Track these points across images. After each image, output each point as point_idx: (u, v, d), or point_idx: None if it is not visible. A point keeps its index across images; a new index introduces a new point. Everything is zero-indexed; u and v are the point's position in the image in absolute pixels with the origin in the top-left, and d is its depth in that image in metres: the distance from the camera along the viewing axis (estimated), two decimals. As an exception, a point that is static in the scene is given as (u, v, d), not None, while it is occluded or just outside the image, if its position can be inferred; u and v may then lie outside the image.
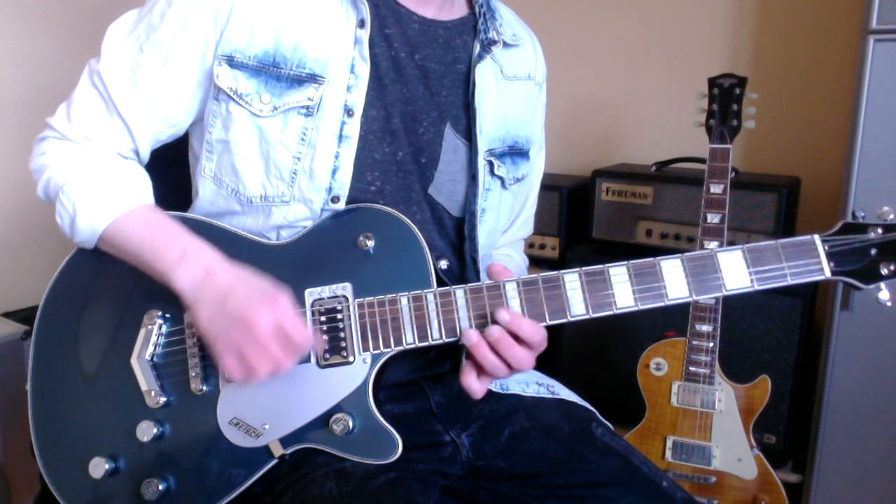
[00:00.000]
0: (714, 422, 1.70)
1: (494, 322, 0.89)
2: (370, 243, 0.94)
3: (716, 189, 1.63)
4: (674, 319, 1.81)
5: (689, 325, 1.67)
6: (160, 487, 0.92)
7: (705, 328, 1.66)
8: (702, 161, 1.69)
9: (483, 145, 1.05)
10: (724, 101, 1.65)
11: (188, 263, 0.91)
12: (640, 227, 2.04)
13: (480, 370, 0.91)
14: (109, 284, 1.00)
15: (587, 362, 2.08)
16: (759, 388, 1.68)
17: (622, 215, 2.06)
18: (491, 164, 1.07)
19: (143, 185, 1.00)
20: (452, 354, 1.09)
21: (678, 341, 1.72)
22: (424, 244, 0.94)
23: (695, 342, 1.67)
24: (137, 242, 0.94)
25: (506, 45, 1.08)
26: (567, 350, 2.10)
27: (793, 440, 1.87)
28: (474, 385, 0.91)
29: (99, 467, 0.93)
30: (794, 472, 1.86)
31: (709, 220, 1.63)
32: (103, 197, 0.96)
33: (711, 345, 1.66)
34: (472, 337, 0.89)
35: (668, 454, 1.73)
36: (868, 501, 1.76)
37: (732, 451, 1.69)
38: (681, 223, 1.98)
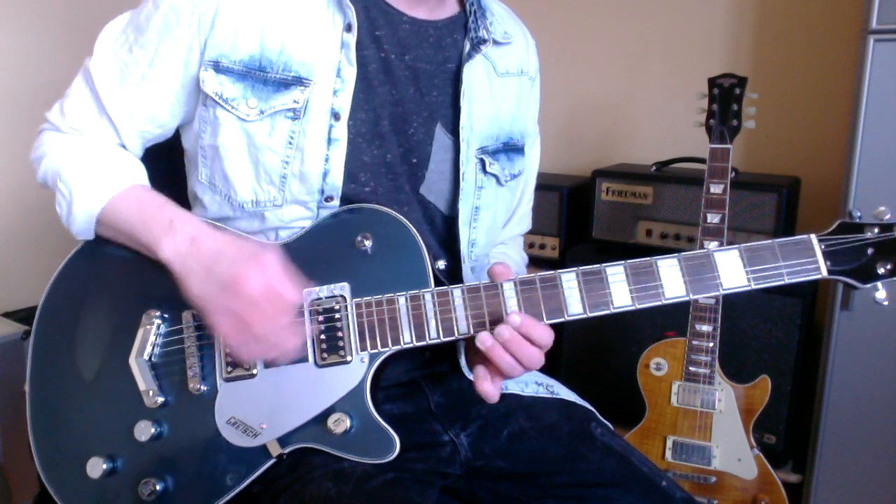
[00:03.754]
0: (714, 422, 1.70)
1: (502, 323, 0.89)
2: (368, 243, 0.94)
3: (716, 189, 1.63)
4: (674, 319, 1.81)
5: (689, 325, 1.67)
6: (157, 487, 0.92)
7: (705, 328, 1.66)
8: (702, 161, 1.69)
9: (474, 143, 1.05)
10: (724, 101, 1.65)
11: (174, 234, 0.92)
12: (640, 227, 2.04)
13: (494, 373, 0.91)
14: (108, 285, 1.00)
15: (587, 362, 2.08)
16: (759, 388, 1.68)
17: (622, 215, 2.06)
18: (483, 161, 1.07)
19: (137, 168, 1.02)
20: (451, 354, 1.09)
21: (678, 341, 1.72)
22: (422, 244, 0.94)
23: (695, 342, 1.67)
24: (127, 219, 0.96)
25: (496, 42, 1.08)
26: (567, 350, 2.10)
27: (793, 440, 1.87)
28: (491, 390, 0.91)
29: (96, 467, 0.93)
30: (794, 472, 1.86)
31: (709, 220, 1.63)
32: (98, 179, 0.97)
33: (711, 345, 1.66)
34: (486, 340, 0.88)
35: (668, 454, 1.73)
36: (868, 501, 1.76)
37: (732, 451, 1.69)
38: (681, 223, 1.98)
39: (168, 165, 1.08)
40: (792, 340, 1.82)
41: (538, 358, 0.90)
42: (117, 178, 0.98)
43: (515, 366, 0.89)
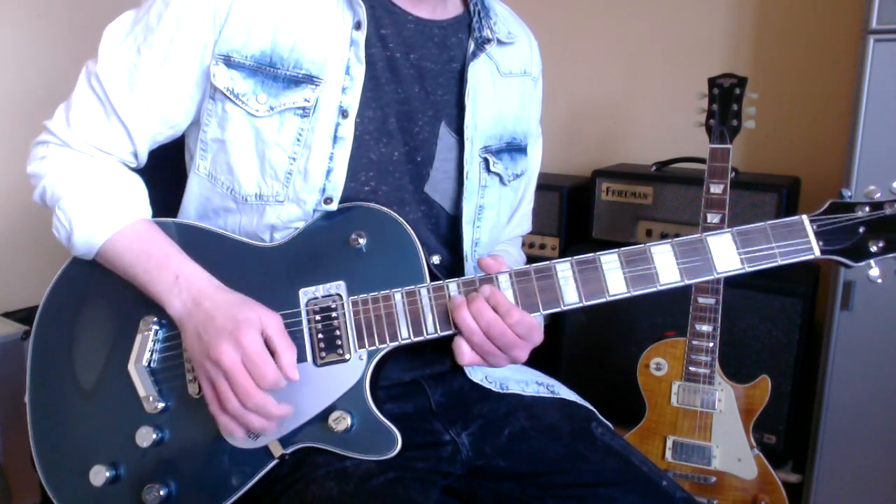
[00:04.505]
0: (714, 422, 1.70)
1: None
2: (362, 241, 0.94)
3: (716, 189, 1.63)
4: (674, 319, 1.81)
5: (689, 325, 1.67)
6: (161, 493, 0.92)
7: (705, 328, 1.66)
8: (702, 161, 1.69)
9: (478, 142, 1.06)
10: (724, 101, 1.65)
11: (179, 290, 0.92)
12: (640, 227, 2.04)
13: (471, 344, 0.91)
14: (105, 291, 0.99)
15: (587, 362, 2.08)
16: (759, 388, 1.68)
17: (622, 215, 2.06)
18: (486, 161, 1.07)
19: (139, 199, 1.00)
20: (451, 353, 1.08)
21: (678, 341, 1.71)
22: (416, 239, 0.94)
23: (695, 342, 1.67)
24: (130, 264, 0.95)
25: (500, 42, 1.08)
26: (567, 350, 2.10)
27: (793, 440, 1.87)
28: (464, 347, 0.91)
29: (99, 475, 0.93)
30: (794, 472, 1.86)
31: (709, 220, 1.63)
32: (98, 214, 0.96)
33: (711, 345, 1.66)
34: (455, 299, 0.90)
35: (668, 454, 1.73)
36: (868, 501, 1.76)
37: (732, 451, 1.69)
38: (681, 223, 1.98)
39: (163, 157, 1.07)
40: (792, 340, 1.82)
41: (510, 337, 0.89)
42: (118, 213, 0.97)
43: (476, 330, 0.89)
